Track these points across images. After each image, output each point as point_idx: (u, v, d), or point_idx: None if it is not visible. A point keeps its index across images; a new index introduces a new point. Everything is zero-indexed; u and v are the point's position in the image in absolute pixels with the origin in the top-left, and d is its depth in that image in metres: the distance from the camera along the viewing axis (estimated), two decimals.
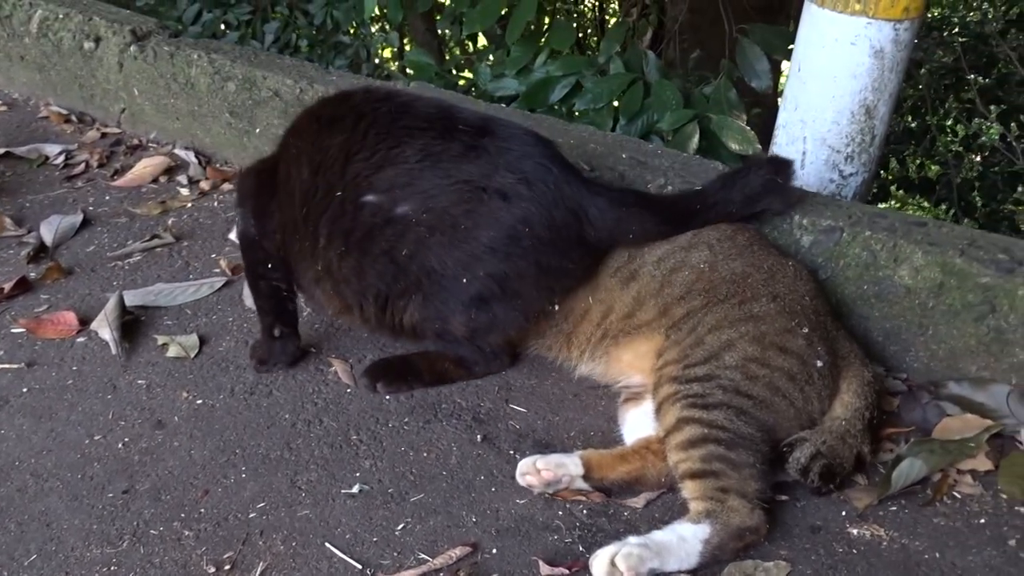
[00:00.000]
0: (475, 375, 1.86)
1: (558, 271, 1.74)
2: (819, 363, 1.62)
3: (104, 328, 2.00)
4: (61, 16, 3.00)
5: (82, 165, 2.77)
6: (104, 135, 2.96)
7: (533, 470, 1.58)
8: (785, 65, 4.39)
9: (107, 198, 2.61)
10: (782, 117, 2.28)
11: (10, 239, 2.40)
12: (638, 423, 1.69)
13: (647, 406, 1.69)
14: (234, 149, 2.74)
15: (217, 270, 2.25)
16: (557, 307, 1.79)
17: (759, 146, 3.08)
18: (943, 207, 6.04)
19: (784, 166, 1.85)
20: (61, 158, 2.80)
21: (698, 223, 1.78)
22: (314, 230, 1.78)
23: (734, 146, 3.06)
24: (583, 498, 1.58)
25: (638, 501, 1.58)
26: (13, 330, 2.05)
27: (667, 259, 1.75)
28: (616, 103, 3.29)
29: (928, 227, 1.83)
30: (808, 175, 2.24)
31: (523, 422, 1.77)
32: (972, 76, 5.74)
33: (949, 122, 5.99)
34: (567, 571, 1.44)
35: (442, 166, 1.67)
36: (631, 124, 3.30)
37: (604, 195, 1.73)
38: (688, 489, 1.50)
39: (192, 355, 1.96)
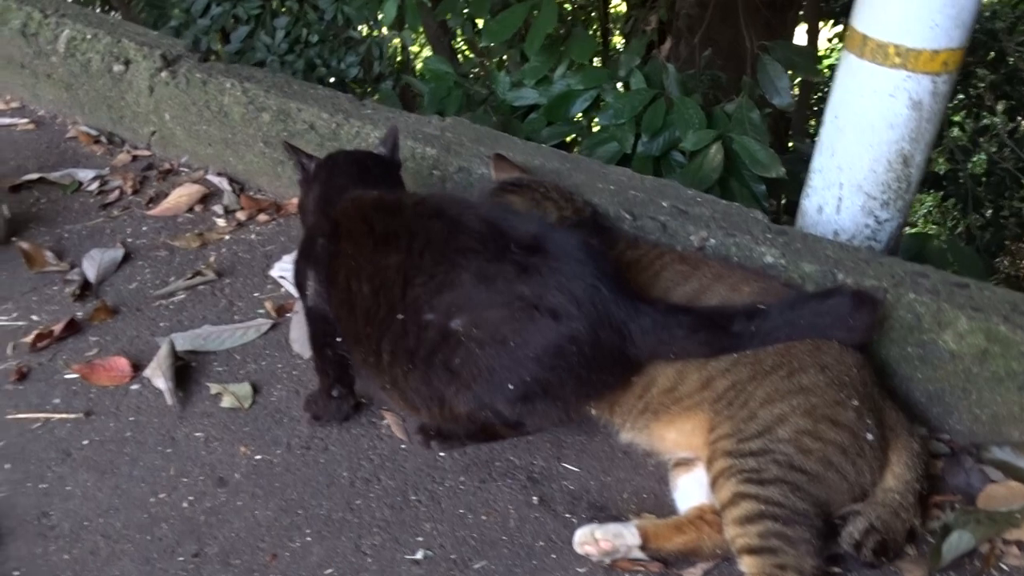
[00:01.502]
0: (525, 433, 1.90)
1: (598, 383, 1.77)
2: (869, 436, 1.67)
3: (158, 377, 2.04)
4: (89, 37, 3.00)
5: (116, 192, 2.79)
6: (135, 158, 2.97)
7: (591, 540, 1.63)
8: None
9: (144, 228, 2.63)
10: (817, 161, 2.31)
11: (52, 274, 2.42)
12: (691, 490, 1.74)
13: (698, 473, 1.74)
14: (268, 178, 2.76)
15: (262, 311, 2.29)
16: (595, 410, 1.85)
17: (783, 169, 3.12)
18: (951, 202, 6.11)
19: (867, 303, 1.79)
20: (95, 184, 2.82)
21: (752, 346, 1.75)
22: (377, 348, 1.80)
23: (757, 168, 3.10)
24: (641, 568, 1.64)
25: (695, 572, 1.63)
26: (66, 376, 2.08)
27: None
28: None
29: (971, 289, 1.88)
30: (843, 220, 2.28)
31: (576, 482, 1.82)
32: (981, 71, 5.78)
33: (957, 117, 6.03)
34: None
35: (497, 287, 1.69)
36: (653, 141, 3.34)
37: (651, 315, 1.72)
38: (746, 564, 1.56)
39: (246, 405, 2.00)
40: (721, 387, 1.74)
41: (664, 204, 2.17)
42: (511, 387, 1.70)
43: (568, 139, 3.83)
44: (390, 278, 1.76)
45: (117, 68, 2.94)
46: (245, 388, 2.04)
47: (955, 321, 1.82)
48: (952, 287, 1.89)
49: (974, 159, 6.09)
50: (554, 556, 1.67)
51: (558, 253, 1.71)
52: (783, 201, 4.16)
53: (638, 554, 1.64)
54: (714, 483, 1.66)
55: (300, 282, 1.95)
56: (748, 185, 3.20)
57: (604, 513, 1.75)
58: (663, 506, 1.77)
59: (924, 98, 2.10)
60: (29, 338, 2.18)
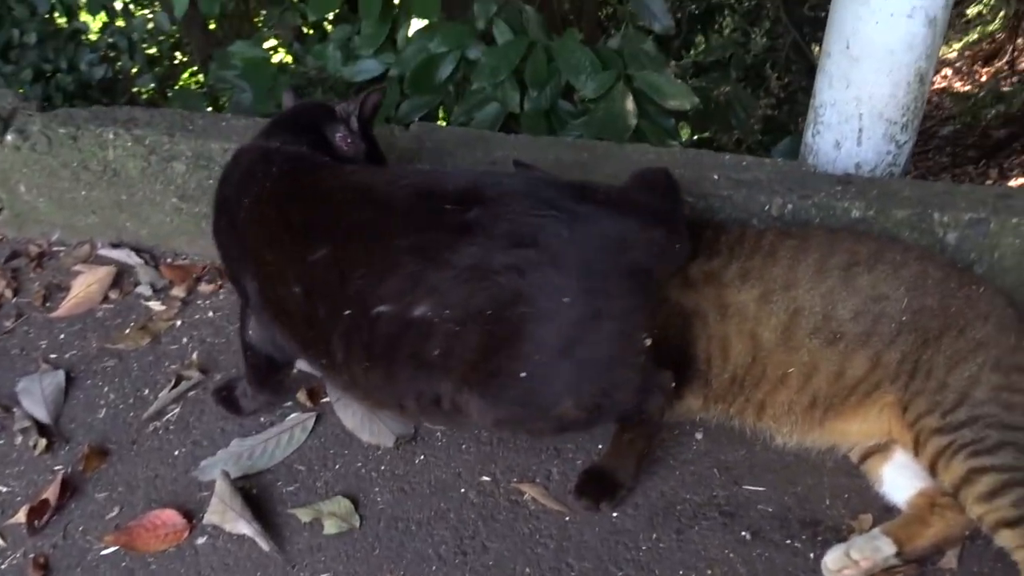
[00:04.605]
0: (653, 421, 1.81)
1: (624, 312, 1.63)
2: None
3: (233, 520, 1.80)
4: None
5: None
6: None
7: (850, 563, 1.65)
8: None
9: (62, 336, 2.29)
10: (827, 95, 2.38)
11: None
12: (900, 479, 1.79)
13: (899, 458, 1.80)
14: (188, 237, 2.48)
15: (289, 403, 2.07)
16: (649, 340, 1.70)
17: (696, 98, 3.20)
18: (742, 85, 6.50)
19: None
20: None
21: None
22: (328, 347, 1.72)
23: (674, 103, 3.15)
24: (900, 573, 1.68)
25: (950, 561, 1.69)
26: (103, 552, 1.79)
27: (865, 313, 1.82)
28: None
29: None
30: (865, 151, 2.37)
31: (770, 503, 1.82)
32: None
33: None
34: None
35: (442, 259, 1.58)
36: (541, 94, 3.30)
37: (638, 213, 1.68)
38: (1006, 538, 1.62)
39: (356, 524, 1.82)
40: (893, 362, 1.79)
41: (716, 177, 2.17)
42: (523, 375, 1.58)
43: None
44: (322, 276, 1.68)
45: None
46: (342, 504, 1.85)
47: None
48: None
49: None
50: None
51: (496, 196, 1.62)
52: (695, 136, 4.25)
53: (893, 562, 1.68)
54: (934, 465, 1.71)
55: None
56: (657, 121, 3.25)
57: (822, 527, 1.77)
58: (869, 501, 1.81)
59: (938, 13, 2.21)
60: (19, 518, 1.85)
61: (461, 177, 1.72)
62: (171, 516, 1.84)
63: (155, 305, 2.36)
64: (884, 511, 1.79)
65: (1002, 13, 7.93)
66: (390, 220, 1.65)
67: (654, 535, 1.77)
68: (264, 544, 1.78)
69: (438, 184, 1.68)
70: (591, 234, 1.59)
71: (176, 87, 5.08)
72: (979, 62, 7.94)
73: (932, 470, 1.72)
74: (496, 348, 1.58)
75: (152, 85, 4.85)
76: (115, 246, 2.51)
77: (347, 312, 1.65)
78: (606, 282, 1.59)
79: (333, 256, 1.66)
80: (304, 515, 1.83)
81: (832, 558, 1.67)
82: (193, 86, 5.69)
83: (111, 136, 2.39)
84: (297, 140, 1.95)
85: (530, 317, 1.56)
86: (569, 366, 1.61)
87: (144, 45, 4.97)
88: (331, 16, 4.33)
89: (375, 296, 1.61)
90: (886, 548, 1.67)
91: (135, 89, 4.81)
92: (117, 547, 1.80)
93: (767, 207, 2.09)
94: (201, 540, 1.81)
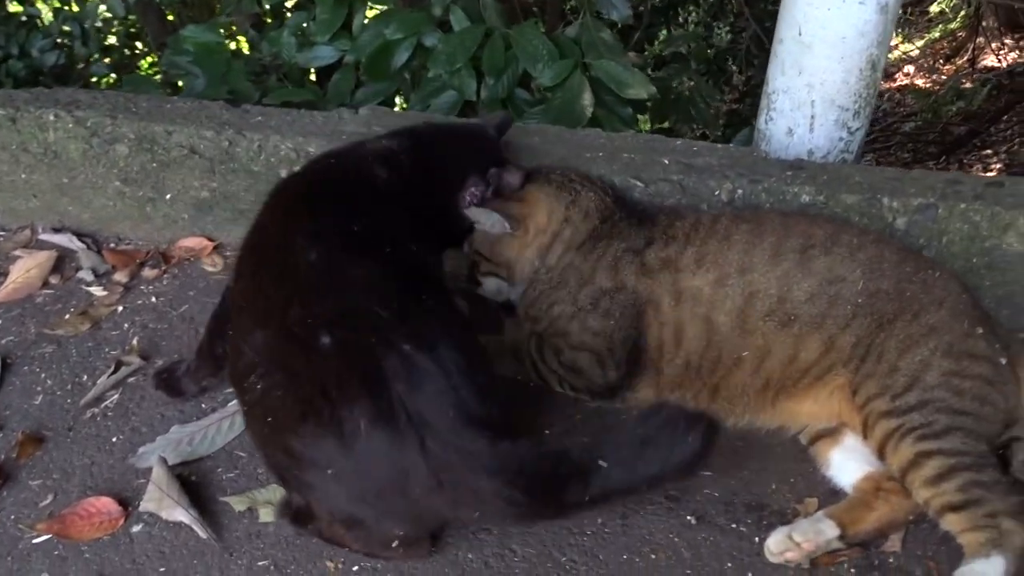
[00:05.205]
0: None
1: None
2: (1003, 360, 1.78)
3: (170, 507, 1.77)
4: None
5: None
6: None
7: (792, 545, 1.64)
8: None
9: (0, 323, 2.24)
10: (780, 82, 2.37)
11: None
12: (848, 463, 1.78)
13: (849, 442, 1.80)
14: (131, 222, 2.43)
15: (231, 389, 2.03)
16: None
17: (653, 87, 3.19)
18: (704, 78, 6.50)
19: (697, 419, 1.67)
20: None
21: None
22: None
23: (631, 92, 3.14)
24: (844, 557, 1.67)
25: (894, 544, 1.69)
26: (35, 540, 1.75)
27: (820, 295, 1.81)
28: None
29: (1006, 187, 2.03)
30: (817, 138, 2.37)
31: (718, 487, 1.81)
32: None
33: None
34: None
35: (284, 358, 1.55)
36: (498, 82, 3.28)
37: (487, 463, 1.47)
38: (951, 522, 1.62)
39: None
40: (846, 345, 1.78)
41: (666, 161, 2.15)
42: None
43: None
44: (235, 301, 1.72)
45: None
46: (278, 492, 1.81)
47: (1014, 222, 1.97)
48: (986, 187, 2.04)
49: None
50: (750, 574, 1.66)
51: (345, 341, 1.51)
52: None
53: (837, 545, 1.67)
54: (882, 448, 1.71)
55: None
56: (615, 110, 3.23)
57: (767, 511, 1.76)
58: (815, 485, 1.81)
59: (890, 1, 2.20)
60: None
61: (345, 300, 1.58)
62: (106, 503, 1.80)
63: (97, 290, 2.31)
64: (830, 495, 1.78)
65: (963, 12, 8.00)
66: (281, 295, 1.60)
67: (599, 520, 1.75)
68: (201, 532, 1.74)
69: (326, 291, 1.59)
70: (390, 449, 1.45)
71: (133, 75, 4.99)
72: (941, 59, 7.99)
73: (880, 453, 1.72)
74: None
75: (112, 75, 4.78)
76: (56, 230, 2.47)
77: (230, 332, 1.69)
78: (376, 488, 1.49)
79: (243, 291, 1.70)
80: (238, 503, 1.80)
81: (774, 541, 1.66)
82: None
83: (52, 118, 2.34)
84: (412, 158, 1.93)
85: (290, 452, 1.52)
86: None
87: (101, 34, 4.90)
88: (290, 4, 4.30)
89: (244, 339, 1.61)
90: (829, 531, 1.66)
91: (93, 79, 4.74)
92: (50, 535, 1.76)
93: (717, 192, 2.08)
94: (137, 528, 1.77)
